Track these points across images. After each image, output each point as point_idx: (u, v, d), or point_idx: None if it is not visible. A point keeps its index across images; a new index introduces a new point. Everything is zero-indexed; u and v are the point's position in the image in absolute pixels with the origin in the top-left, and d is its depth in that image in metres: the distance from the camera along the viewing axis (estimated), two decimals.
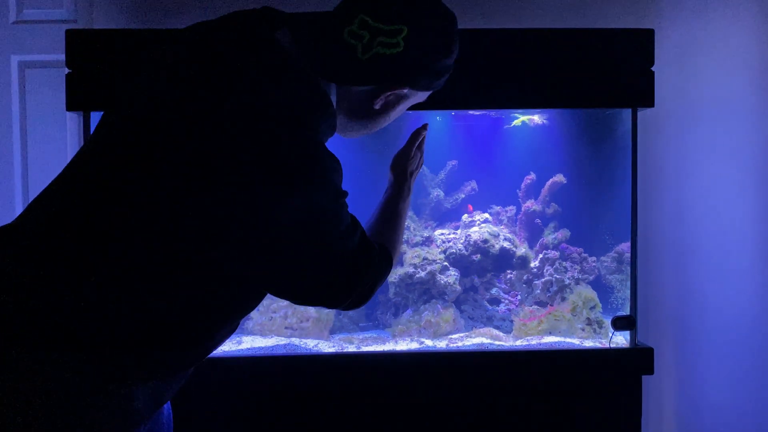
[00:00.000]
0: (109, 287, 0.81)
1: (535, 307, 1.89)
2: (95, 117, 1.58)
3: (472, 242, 1.97)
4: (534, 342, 1.71)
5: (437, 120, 1.97)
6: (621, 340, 1.67)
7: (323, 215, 0.86)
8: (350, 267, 0.91)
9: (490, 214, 2.09)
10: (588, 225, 2.01)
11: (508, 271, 2.02)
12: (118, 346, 0.82)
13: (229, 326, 0.95)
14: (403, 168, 1.23)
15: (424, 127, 1.30)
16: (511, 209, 2.10)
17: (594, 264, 1.97)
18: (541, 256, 2.01)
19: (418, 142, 1.27)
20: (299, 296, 0.92)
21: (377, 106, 1.01)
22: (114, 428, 0.82)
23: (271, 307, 1.83)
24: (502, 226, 2.06)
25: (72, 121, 1.90)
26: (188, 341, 0.88)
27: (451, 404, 1.61)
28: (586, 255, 1.98)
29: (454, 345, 1.69)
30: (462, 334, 1.78)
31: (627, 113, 1.66)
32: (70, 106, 1.54)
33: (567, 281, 1.93)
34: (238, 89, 0.83)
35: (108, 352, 0.81)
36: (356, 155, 1.96)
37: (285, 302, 1.83)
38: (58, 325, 0.79)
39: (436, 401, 1.61)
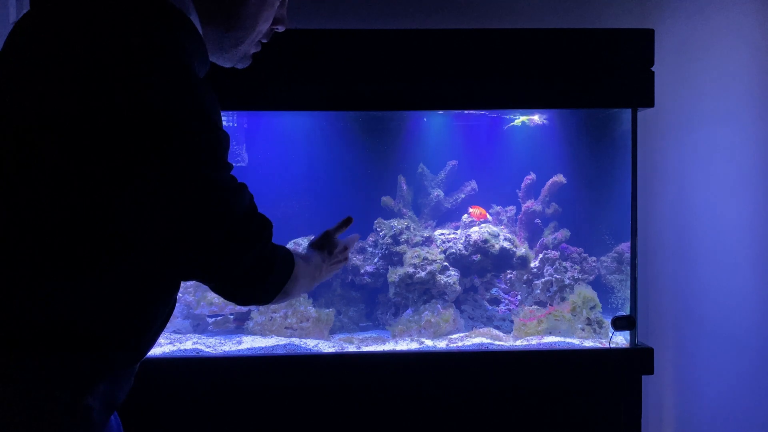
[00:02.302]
0: (15, 284, 0.75)
1: (535, 307, 1.89)
2: None
3: (472, 242, 1.97)
4: (534, 342, 1.71)
5: (424, 121, 1.96)
6: (621, 340, 1.67)
7: (202, 153, 0.78)
8: (235, 227, 0.82)
9: (490, 214, 2.09)
10: (588, 225, 2.01)
11: (508, 271, 2.02)
12: (53, 347, 0.77)
13: (162, 307, 0.88)
14: (320, 245, 1.16)
15: (349, 221, 1.24)
16: (511, 209, 2.10)
17: (594, 264, 1.97)
18: (541, 256, 2.01)
19: (342, 230, 1.21)
20: (188, 261, 0.82)
21: None
22: None
23: (271, 308, 1.83)
24: (502, 226, 2.06)
25: None
26: (115, 330, 0.82)
27: (451, 404, 1.61)
28: (586, 255, 1.99)
29: (454, 345, 1.69)
30: (462, 334, 1.78)
31: (627, 113, 1.66)
32: None
33: (567, 281, 1.93)
34: (77, 32, 0.77)
35: (46, 354, 0.76)
36: (355, 155, 1.95)
37: (285, 302, 1.83)
38: None
39: (436, 401, 1.61)
